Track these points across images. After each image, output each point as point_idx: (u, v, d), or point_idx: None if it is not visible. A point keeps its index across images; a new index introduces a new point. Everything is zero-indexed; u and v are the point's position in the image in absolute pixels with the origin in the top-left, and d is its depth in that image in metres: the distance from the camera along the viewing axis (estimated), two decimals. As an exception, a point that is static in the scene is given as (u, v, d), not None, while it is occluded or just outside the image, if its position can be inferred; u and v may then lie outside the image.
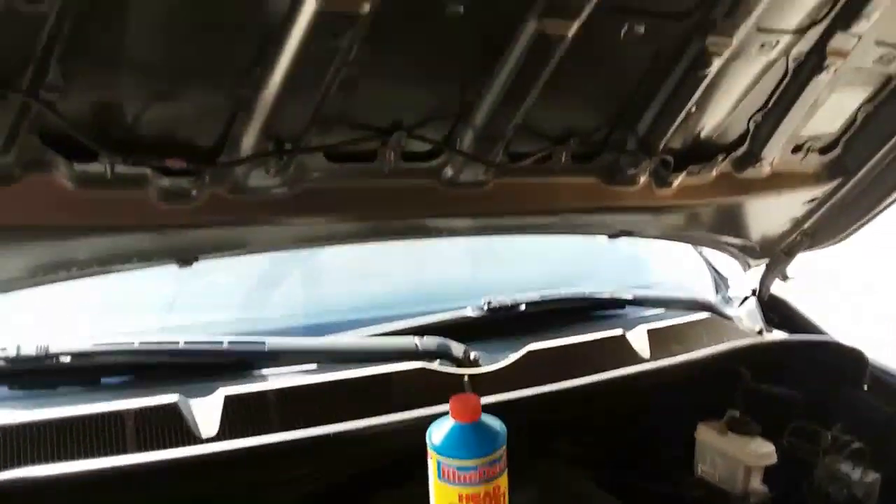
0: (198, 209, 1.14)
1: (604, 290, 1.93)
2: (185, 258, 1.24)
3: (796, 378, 1.78)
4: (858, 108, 1.62)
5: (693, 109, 1.42)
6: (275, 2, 0.95)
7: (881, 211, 1.84)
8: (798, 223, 1.90)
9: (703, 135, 1.55)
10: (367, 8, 0.96)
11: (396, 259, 1.85)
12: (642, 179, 1.54)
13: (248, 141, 1.10)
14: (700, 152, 1.57)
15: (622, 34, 1.19)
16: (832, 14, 1.31)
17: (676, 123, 1.42)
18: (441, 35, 1.09)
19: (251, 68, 1.02)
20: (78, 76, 0.94)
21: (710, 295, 2.15)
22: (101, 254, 1.17)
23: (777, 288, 2.09)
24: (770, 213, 1.86)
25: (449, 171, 1.34)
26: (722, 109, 1.49)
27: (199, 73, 1.01)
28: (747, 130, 1.58)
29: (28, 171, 1.01)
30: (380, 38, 1.03)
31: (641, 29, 1.20)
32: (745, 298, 2.11)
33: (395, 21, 1.02)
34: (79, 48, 0.91)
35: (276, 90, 1.03)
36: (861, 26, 1.34)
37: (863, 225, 1.89)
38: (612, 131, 1.44)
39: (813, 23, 1.32)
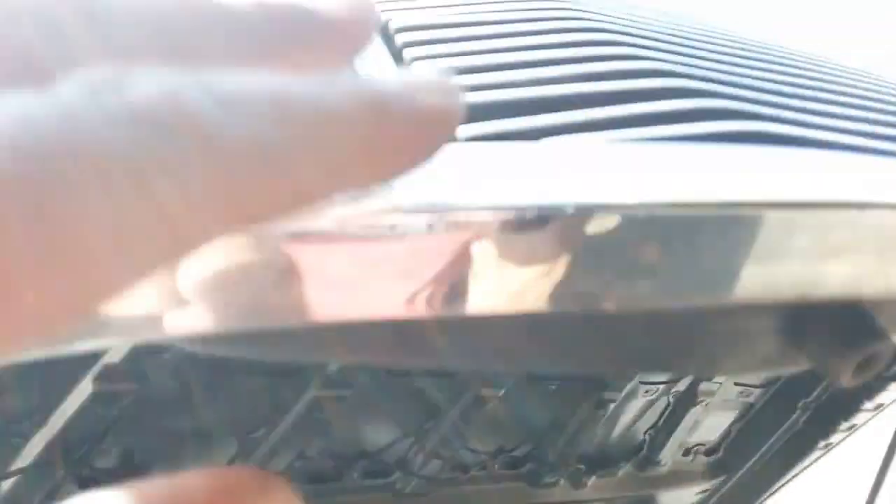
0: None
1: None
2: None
3: None
4: (731, 424, 2.01)
5: (597, 432, 1.78)
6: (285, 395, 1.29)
7: (763, 501, 2.18)
8: (697, 508, 2.22)
9: (608, 446, 1.90)
10: (347, 393, 1.31)
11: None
12: (561, 482, 1.86)
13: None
14: (607, 459, 1.91)
15: (538, 390, 1.57)
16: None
17: (584, 442, 1.78)
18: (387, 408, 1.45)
19: (258, 429, 1.33)
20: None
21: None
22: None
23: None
24: (674, 502, 2.18)
25: (398, 485, 1.64)
26: (621, 429, 1.86)
27: (213, 436, 1.32)
28: (644, 440, 1.94)
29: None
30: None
31: (553, 387, 1.58)
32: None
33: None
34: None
35: (273, 446, 1.34)
36: (719, 378, 1.76)
37: (751, 512, 2.22)
38: (533, 448, 1.78)
39: (683, 376, 1.73)
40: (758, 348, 0.43)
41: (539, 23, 0.68)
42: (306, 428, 1.35)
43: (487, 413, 1.52)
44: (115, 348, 1.08)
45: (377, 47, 0.65)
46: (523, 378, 1.49)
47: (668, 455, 2.03)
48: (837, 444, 2.10)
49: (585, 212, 0.34)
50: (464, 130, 0.45)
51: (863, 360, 0.40)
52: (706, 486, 2.20)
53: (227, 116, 0.13)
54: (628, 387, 1.65)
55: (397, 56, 0.63)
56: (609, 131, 0.48)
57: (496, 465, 1.79)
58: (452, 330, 0.40)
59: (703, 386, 1.79)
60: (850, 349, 0.40)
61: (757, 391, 1.92)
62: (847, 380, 0.41)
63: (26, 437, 1.12)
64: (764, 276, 0.36)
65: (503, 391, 1.49)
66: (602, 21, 0.74)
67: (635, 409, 1.84)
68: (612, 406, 1.69)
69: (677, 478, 2.13)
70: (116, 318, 0.23)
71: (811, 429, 2.03)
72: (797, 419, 1.99)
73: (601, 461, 1.98)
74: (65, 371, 1.10)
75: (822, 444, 2.09)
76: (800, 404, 1.95)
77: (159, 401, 1.22)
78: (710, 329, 0.43)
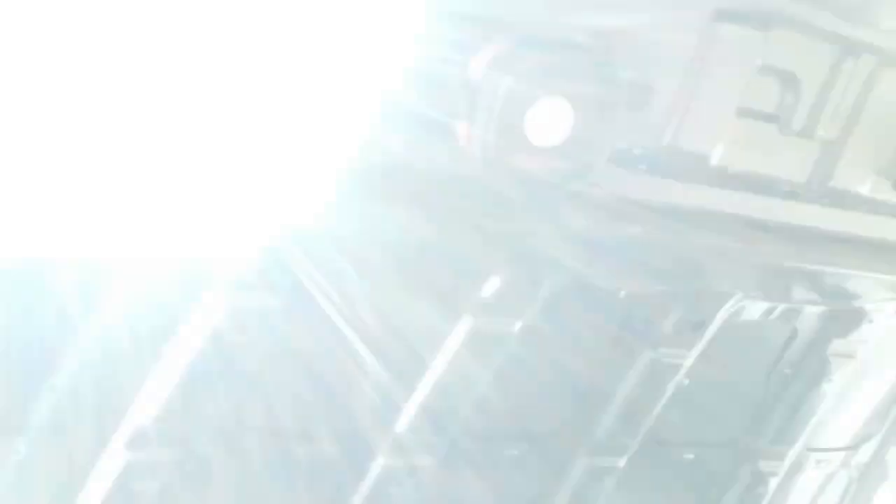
0: None
1: None
2: None
3: None
4: (945, 509, 1.55)
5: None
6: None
7: None
8: None
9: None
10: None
11: None
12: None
13: None
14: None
15: (671, 460, 1.26)
16: (882, 431, 1.35)
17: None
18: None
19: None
20: None
21: None
22: None
23: None
24: None
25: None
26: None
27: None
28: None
29: None
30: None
31: (690, 455, 1.26)
32: None
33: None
34: None
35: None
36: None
37: None
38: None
39: (864, 440, 1.35)
40: None
41: None
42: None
43: (607, 490, 1.21)
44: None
45: None
46: (651, 443, 1.19)
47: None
48: None
49: None
50: None
51: None
52: None
53: None
54: (791, 455, 1.29)
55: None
56: None
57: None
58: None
59: (892, 453, 1.37)
60: None
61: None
62: None
63: None
64: None
65: (623, 458, 1.18)
66: None
67: (809, 488, 1.43)
68: (773, 481, 1.32)
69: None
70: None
71: None
72: None
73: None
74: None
75: None
76: None
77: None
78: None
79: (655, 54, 0.70)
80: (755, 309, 1.06)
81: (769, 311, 1.07)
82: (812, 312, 1.11)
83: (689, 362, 1.08)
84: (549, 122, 0.54)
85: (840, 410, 1.30)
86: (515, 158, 0.54)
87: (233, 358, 0.90)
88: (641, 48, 0.68)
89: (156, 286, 0.88)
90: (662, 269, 0.94)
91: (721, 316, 1.04)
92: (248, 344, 0.89)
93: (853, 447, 1.36)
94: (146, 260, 0.87)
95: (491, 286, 0.90)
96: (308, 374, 0.98)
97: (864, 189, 0.88)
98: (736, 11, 0.70)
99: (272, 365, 0.94)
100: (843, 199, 0.89)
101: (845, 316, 1.11)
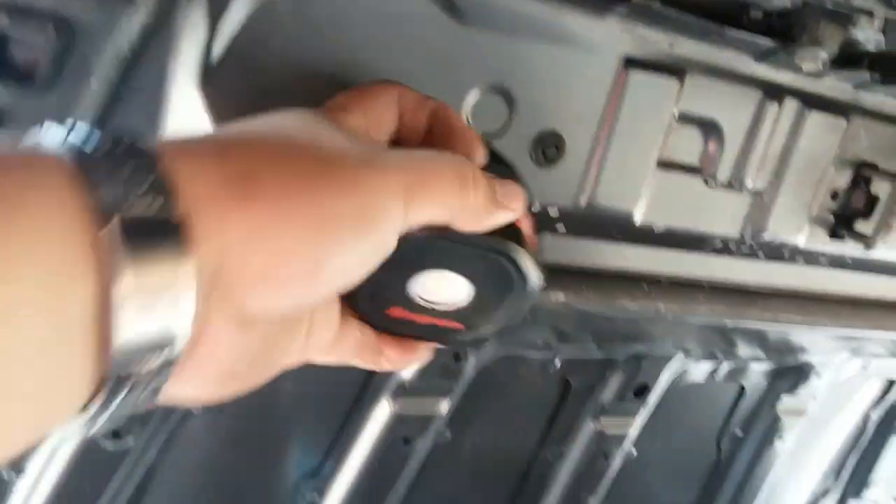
0: None
1: None
2: None
3: None
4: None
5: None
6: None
7: None
8: None
9: None
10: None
11: None
12: None
13: None
14: None
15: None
16: (841, 486, 1.29)
17: None
18: None
19: None
20: None
21: None
22: None
23: None
24: None
25: None
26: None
27: None
28: None
29: None
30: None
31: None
32: None
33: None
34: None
35: None
36: None
37: None
38: None
39: (821, 496, 1.29)
40: None
41: None
42: None
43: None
44: None
45: None
46: None
47: None
48: None
49: None
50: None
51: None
52: None
53: None
54: None
55: None
56: None
57: None
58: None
59: (855, 508, 1.31)
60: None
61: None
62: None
63: None
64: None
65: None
66: None
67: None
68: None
69: None
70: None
71: None
72: None
73: None
74: None
75: None
76: None
77: None
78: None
79: (565, 108, 0.64)
80: (699, 369, 1.00)
81: (713, 371, 1.01)
82: (758, 370, 1.05)
83: (634, 431, 1.01)
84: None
85: (795, 468, 1.23)
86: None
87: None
88: (550, 102, 0.63)
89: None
90: (596, 335, 0.88)
91: (664, 379, 0.97)
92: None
93: (812, 505, 1.30)
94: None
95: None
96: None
97: (800, 240, 0.83)
98: (646, 59, 0.65)
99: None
100: (779, 252, 0.84)
101: (792, 371, 1.06)
